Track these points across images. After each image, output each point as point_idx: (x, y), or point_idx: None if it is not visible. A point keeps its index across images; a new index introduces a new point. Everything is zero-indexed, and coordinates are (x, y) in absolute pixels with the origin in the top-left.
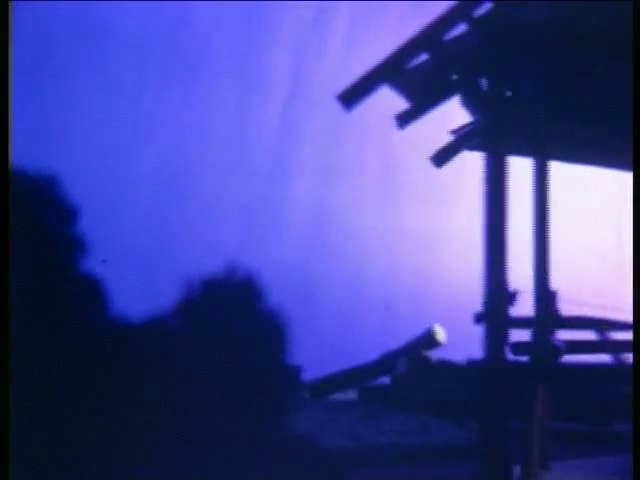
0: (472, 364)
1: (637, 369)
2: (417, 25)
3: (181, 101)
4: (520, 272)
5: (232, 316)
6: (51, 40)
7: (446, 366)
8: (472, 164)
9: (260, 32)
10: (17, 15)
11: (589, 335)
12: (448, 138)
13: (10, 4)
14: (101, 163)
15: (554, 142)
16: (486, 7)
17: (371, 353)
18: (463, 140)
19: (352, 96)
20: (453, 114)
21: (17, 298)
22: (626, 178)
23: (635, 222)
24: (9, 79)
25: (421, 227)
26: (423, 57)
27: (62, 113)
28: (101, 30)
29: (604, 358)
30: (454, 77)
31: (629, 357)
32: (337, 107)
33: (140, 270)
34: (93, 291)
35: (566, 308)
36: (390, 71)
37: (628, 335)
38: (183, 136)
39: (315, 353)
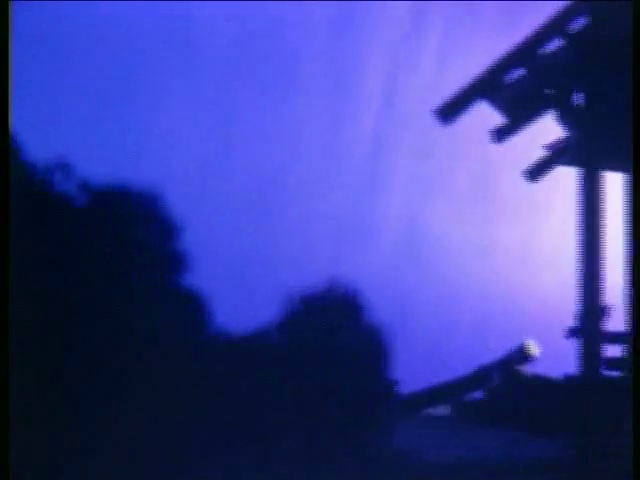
0: (566, 379)
1: (637, 371)
2: (512, 38)
3: (274, 112)
4: (614, 286)
5: (331, 330)
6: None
7: (540, 381)
8: (566, 179)
9: (354, 41)
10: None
11: None
12: (542, 153)
13: (10, 4)
14: (194, 176)
15: None
16: (581, 22)
17: (465, 368)
18: (557, 155)
19: (450, 110)
20: (548, 129)
21: (120, 314)
22: None
23: (635, 222)
24: (9, 79)
25: (515, 241)
26: (519, 72)
27: (155, 126)
28: (181, 34)
29: None
30: (549, 92)
31: None
32: (431, 119)
33: (239, 285)
34: (194, 306)
35: None
36: (487, 86)
37: None
38: (276, 147)
39: (409, 367)
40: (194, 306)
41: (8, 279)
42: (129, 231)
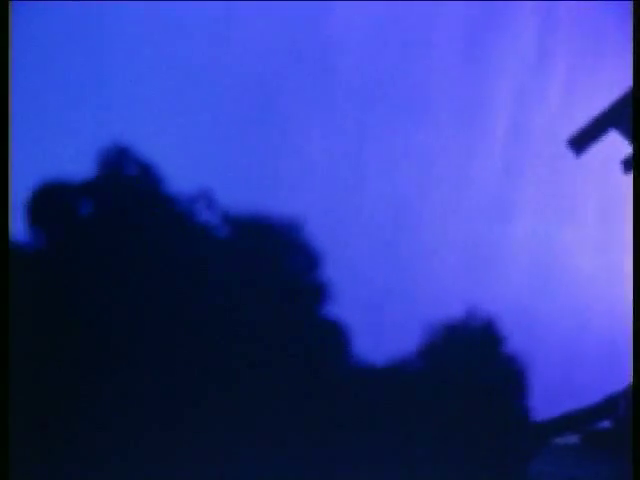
0: None
1: (637, 369)
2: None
3: (404, 139)
4: None
5: (469, 359)
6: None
7: None
8: None
9: (481, 71)
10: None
11: None
12: None
13: (10, 4)
14: (330, 205)
15: None
16: None
17: (593, 396)
18: None
19: (582, 141)
20: None
21: (264, 343)
22: None
23: (635, 222)
24: (9, 79)
25: None
26: None
27: (292, 153)
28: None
29: None
30: None
31: None
32: (559, 148)
33: (379, 313)
34: (335, 336)
35: None
36: (619, 115)
37: None
38: (408, 175)
39: (538, 396)
40: (335, 336)
41: (8, 279)
42: (270, 262)
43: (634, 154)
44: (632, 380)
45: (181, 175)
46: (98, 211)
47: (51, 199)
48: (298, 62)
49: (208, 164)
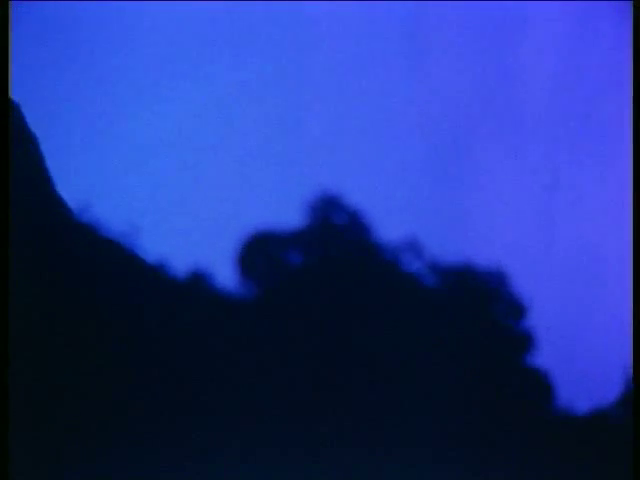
0: None
1: (637, 368)
2: None
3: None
4: None
5: None
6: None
7: None
8: None
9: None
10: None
11: None
12: None
13: (10, 4)
14: (529, 253)
15: None
16: None
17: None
18: None
19: None
20: None
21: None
22: None
23: (636, 222)
24: (9, 80)
25: None
26: None
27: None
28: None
29: None
30: None
31: None
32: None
33: (577, 361)
34: (540, 385)
35: None
36: None
37: None
38: (596, 223)
39: None
40: (539, 384)
41: (7, 281)
42: (476, 310)
43: (634, 154)
44: (632, 380)
45: (388, 223)
46: (308, 260)
47: (261, 248)
48: (489, 101)
49: (414, 211)
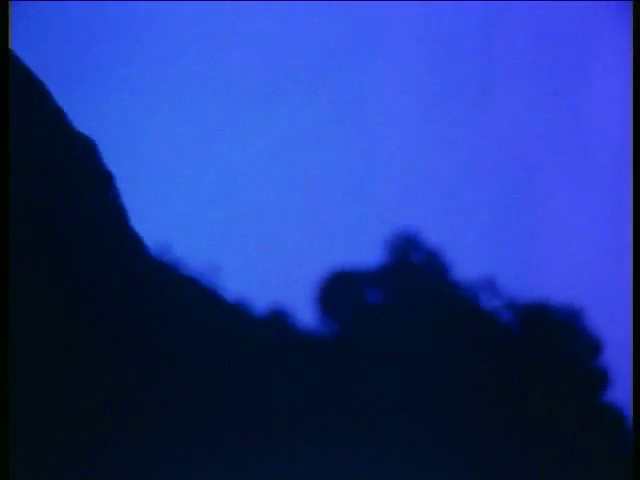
0: None
1: (637, 369)
2: None
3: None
4: None
5: None
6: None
7: None
8: None
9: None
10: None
11: None
12: None
13: (10, 4)
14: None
15: None
16: None
17: None
18: None
19: None
20: None
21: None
22: None
23: (636, 222)
24: (9, 80)
25: None
26: None
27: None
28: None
29: None
30: None
31: None
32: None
33: None
34: (617, 421)
35: None
36: None
37: None
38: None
39: None
40: (616, 420)
41: (7, 281)
42: (552, 349)
43: (634, 154)
44: (632, 380)
45: (465, 262)
46: (387, 299)
47: (341, 287)
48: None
49: (490, 250)
